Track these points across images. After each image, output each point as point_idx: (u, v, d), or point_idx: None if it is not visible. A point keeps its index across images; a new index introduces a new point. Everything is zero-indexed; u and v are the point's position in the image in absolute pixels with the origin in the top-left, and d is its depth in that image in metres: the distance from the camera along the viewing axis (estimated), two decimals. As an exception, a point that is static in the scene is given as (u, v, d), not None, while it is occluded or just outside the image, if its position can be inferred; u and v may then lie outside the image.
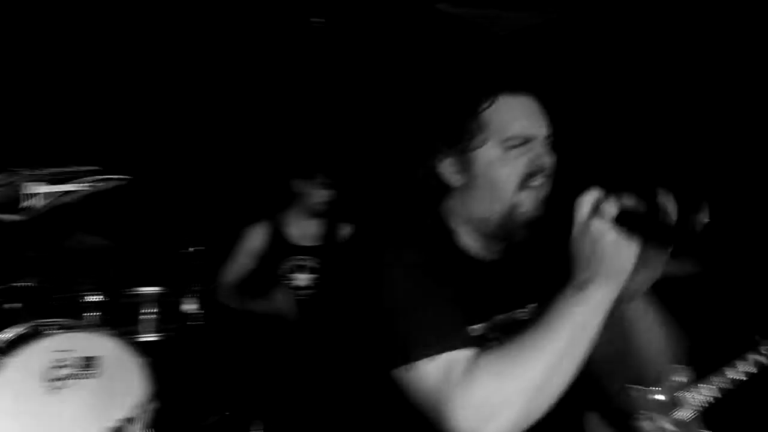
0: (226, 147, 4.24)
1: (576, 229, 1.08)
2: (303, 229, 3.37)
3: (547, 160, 1.21)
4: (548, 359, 1.02)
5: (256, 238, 3.34)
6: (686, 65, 3.70)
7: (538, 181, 1.21)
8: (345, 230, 3.37)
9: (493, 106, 1.20)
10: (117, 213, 3.59)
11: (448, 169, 1.23)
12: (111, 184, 2.55)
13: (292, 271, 3.28)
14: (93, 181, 2.52)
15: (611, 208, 1.07)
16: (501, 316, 1.28)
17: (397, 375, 1.08)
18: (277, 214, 3.40)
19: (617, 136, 3.65)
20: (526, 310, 1.31)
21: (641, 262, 1.08)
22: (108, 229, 3.46)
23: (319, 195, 3.31)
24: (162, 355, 3.29)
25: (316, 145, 4.17)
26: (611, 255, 1.04)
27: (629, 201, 1.08)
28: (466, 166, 1.22)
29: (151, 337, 3.39)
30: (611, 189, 1.10)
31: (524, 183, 1.20)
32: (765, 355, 2.67)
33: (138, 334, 3.37)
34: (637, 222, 1.06)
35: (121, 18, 3.79)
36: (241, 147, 4.34)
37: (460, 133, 1.20)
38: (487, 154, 1.20)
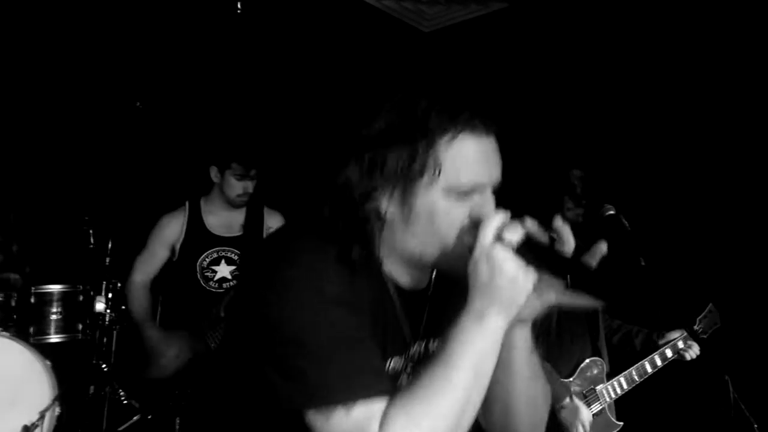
0: (139, 130, 4.00)
1: (477, 252, 1.06)
2: (223, 219, 3.21)
3: (491, 209, 1.12)
4: (457, 396, 1.02)
5: (173, 227, 3.15)
6: (595, 79, 3.81)
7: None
8: (272, 219, 3.24)
9: (451, 144, 1.08)
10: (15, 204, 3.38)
11: (384, 198, 1.11)
12: None
13: (213, 263, 3.13)
14: None
15: (513, 235, 1.05)
16: (418, 347, 1.24)
17: (307, 416, 1.03)
18: (195, 202, 3.22)
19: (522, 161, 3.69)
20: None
21: (535, 291, 1.07)
22: (7, 222, 3.24)
23: (236, 186, 3.14)
24: (68, 356, 3.11)
25: (237, 134, 4.00)
26: (509, 285, 1.03)
27: (531, 227, 1.07)
28: (405, 201, 1.10)
29: (56, 338, 3.18)
30: (515, 213, 1.08)
31: (463, 231, 1.12)
32: (680, 349, 2.78)
33: (42, 335, 3.16)
34: (536, 252, 1.05)
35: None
36: (157, 129, 4.12)
37: (408, 165, 1.08)
38: (432, 198, 1.09)
